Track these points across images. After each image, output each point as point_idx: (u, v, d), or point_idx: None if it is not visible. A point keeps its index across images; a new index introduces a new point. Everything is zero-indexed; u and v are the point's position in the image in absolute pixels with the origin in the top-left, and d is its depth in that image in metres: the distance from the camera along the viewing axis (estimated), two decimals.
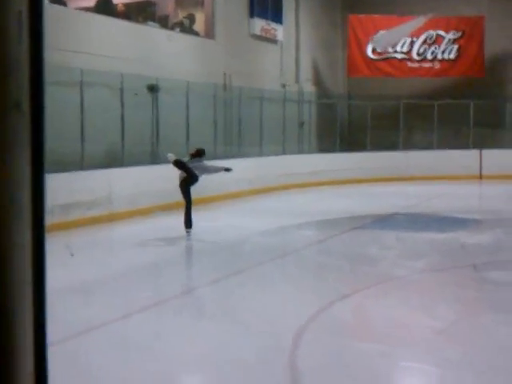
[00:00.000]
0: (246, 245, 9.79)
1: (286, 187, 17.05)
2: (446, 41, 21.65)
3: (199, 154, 10.73)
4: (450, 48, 21.67)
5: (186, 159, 10.58)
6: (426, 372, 4.57)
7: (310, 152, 20.16)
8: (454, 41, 21.63)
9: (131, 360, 4.78)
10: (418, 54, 21.74)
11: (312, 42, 21.75)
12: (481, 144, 20.62)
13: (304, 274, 8.09)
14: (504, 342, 5.10)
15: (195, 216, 10.13)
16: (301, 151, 19.80)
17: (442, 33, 21.66)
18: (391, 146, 20.69)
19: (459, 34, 21.57)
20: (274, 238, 10.40)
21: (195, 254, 9.08)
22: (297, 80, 21.02)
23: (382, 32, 21.14)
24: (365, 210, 13.39)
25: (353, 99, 22.63)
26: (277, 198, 15.59)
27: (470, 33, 21.50)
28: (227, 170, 10.95)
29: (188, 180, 10.31)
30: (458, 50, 21.59)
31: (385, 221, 12.18)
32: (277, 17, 19.61)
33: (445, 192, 16.87)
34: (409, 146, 20.76)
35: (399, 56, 21.74)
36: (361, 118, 21.74)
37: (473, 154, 20.45)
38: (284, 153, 18.62)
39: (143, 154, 13.74)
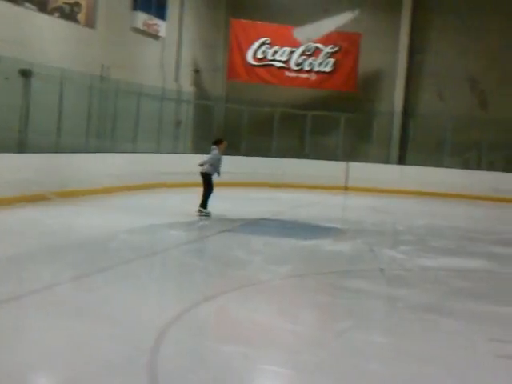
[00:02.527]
0: (113, 242, 9.61)
1: (158, 186, 16.91)
2: (323, 54, 22.36)
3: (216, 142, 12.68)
4: (326, 61, 22.40)
5: (215, 151, 12.50)
6: (283, 375, 4.71)
7: (184, 152, 20.11)
8: (331, 55, 22.39)
9: None
10: (296, 65, 22.31)
11: (194, 41, 21.73)
12: (348, 156, 21.54)
13: (170, 274, 8.09)
14: (359, 347, 5.35)
15: (58, 210, 9.82)
16: (176, 150, 19.71)
17: (320, 46, 22.36)
18: (265, 153, 21.10)
19: (336, 48, 22.34)
20: (142, 236, 10.29)
21: (59, 249, 8.78)
22: (176, 78, 20.91)
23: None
24: (236, 214, 13.59)
25: (230, 103, 22.85)
26: (148, 197, 15.42)
27: (347, 48, 22.32)
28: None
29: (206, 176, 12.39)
30: (335, 64, 22.35)
31: (254, 225, 12.41)
32: (160, 12, 19.44)
33: (313, 201, 17.44)
34: (282, 153, 21.26)
35: (278, 64, 22.22)
36: (237, 122, 21.98)
37: (340, 165, 21.30)
38: (159, 151, 18.45)
39: (10, 141, 13.12)
